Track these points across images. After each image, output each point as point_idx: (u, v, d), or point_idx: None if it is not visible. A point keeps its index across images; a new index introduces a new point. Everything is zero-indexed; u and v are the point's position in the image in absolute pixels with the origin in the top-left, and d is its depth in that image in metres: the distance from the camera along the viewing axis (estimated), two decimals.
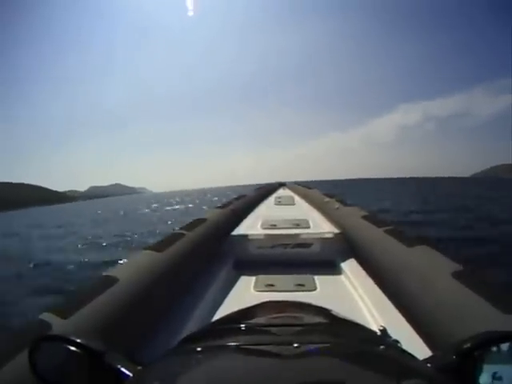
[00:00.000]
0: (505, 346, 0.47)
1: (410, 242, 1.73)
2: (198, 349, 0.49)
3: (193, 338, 0.62)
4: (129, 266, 1.55)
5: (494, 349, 0.47)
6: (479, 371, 0.46)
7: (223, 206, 3.51)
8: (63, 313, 1.04)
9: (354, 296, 1.78)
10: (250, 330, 0.60)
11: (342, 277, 2.07)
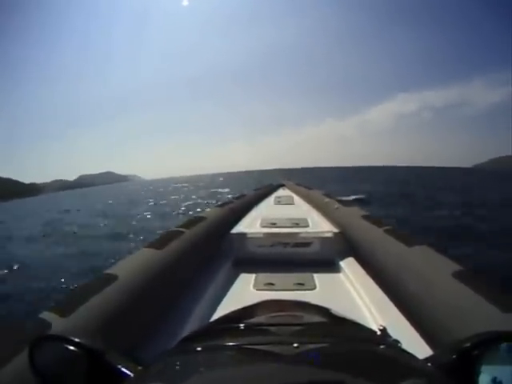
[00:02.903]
0: (504, 346, 0.46)
1: (409, 241, 1.73)
2: (198, 348, 0.50)
3: (193, 338, 0.62)
4: (128, 264, 1.54)
5: (494, 348, 0.47)
6: (479, 370, 0.46)
7: (222, 205, 3.44)
8: (63, 312, 1.04)
9: (353, 295, 1.77)
10: (250, 330, 0.60)
11: (342, 276, 2.06)
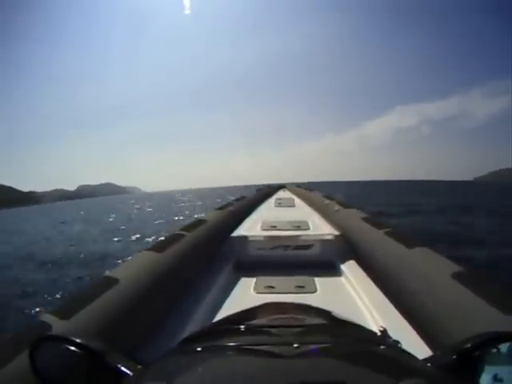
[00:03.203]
0: (505, 347, 0.46)
1: (410, 243, 1.74)
2: (198, 349, 0.50)
3: (193, 339, 0.63)
4: (129, 267, 1.56)
5: (494, 349, 0.46)
6: (479, 371, 0.46)
7: (223, 208, 3.41)
8: (63, 314, 1.05)
9: (354, 297, 1.78)
10: (250, 331, 0.61)
11: (342, 278, 2.06)
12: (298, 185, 6.64)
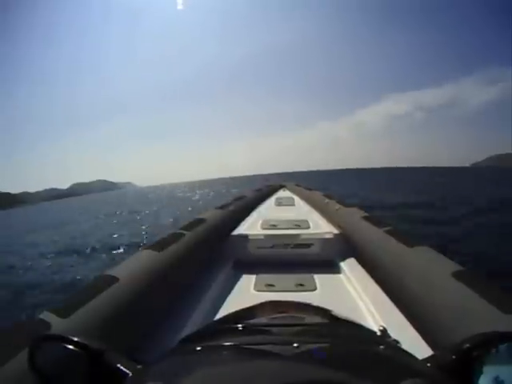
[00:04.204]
0: (504, 346, 0.46)
1: (410, 242, 1.73)
2: (198, 348, 0.50)
3: (192, 338, 0.62)
4: (128, 266, 1.55)
5: (494, 349, 0.46)
6: (479, 371, 0.45)
7: (223, 207, 3.40)
8: (63, 312, 1.05)
9: (354, 296, 1.78)
10: (250, 330, 0.60)
11: (342, 277, 2.07)
12: (298, 184, 6.42)
